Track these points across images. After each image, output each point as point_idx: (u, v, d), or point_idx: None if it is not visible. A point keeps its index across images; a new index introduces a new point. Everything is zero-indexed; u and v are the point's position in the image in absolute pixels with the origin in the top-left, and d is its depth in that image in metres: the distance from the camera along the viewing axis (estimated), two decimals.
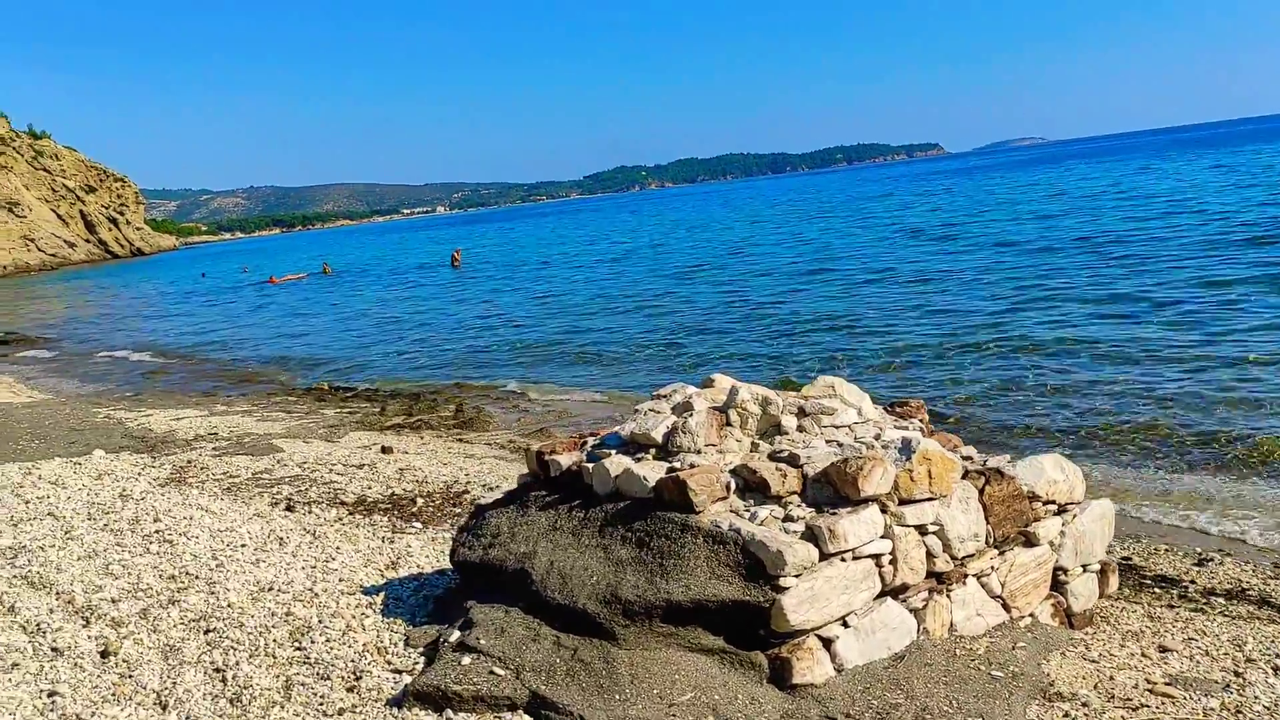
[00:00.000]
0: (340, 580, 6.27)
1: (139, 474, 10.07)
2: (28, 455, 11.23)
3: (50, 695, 4.62)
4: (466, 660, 4.59)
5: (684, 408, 5.45)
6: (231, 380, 22.17)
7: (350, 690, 4.66)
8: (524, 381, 18.00)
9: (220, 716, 4.48)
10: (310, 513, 8.48)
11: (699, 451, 5.20)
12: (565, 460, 5.62)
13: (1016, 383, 13.27)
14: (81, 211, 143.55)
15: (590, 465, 5.39)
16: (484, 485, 9.46)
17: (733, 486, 4.95)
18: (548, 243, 74.85)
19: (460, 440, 12.90)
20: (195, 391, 20.40)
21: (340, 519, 8.27)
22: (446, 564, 6.49)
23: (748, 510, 4.84)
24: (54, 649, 5.15)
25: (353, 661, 4.94)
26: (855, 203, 77.89)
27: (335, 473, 10.25)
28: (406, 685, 4.56)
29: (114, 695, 4.65)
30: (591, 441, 5.81)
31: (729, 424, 5.35)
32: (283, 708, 4.53)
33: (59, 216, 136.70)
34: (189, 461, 10.94)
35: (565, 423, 13.97)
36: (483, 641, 4.69)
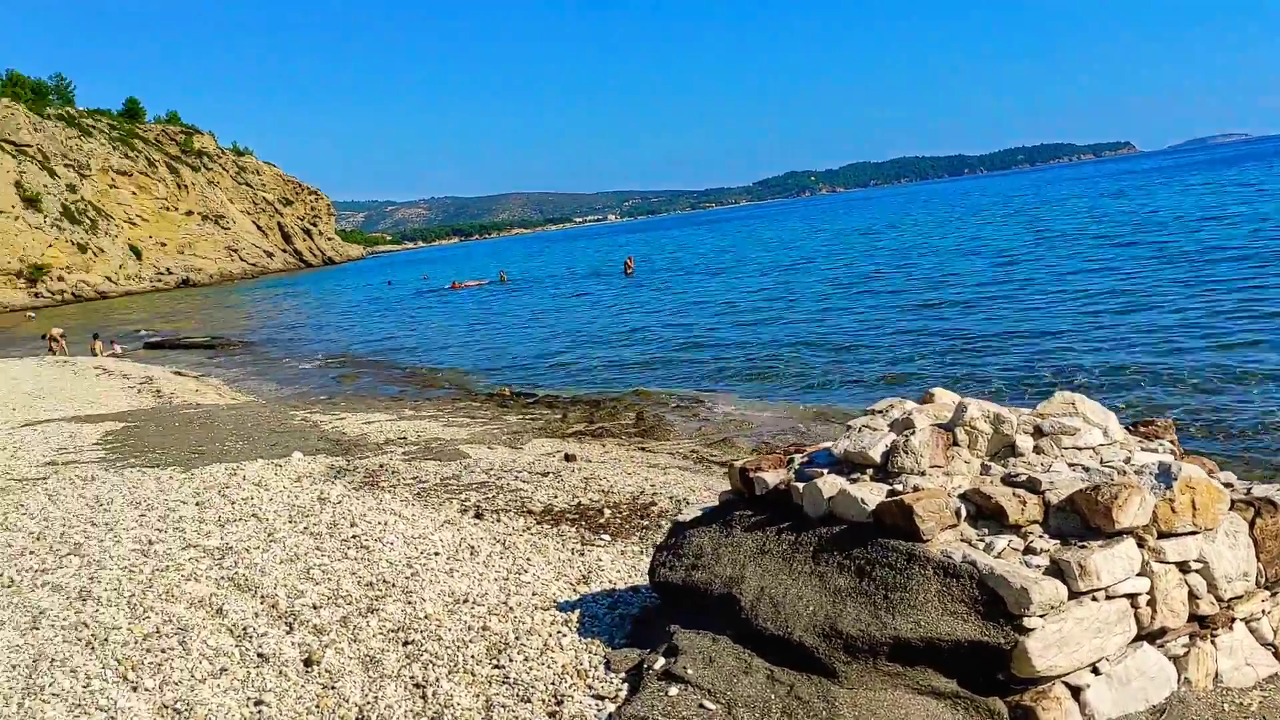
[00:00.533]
0: (533, 594, 6.10)
1: (335, 477, 10.29)
2: (232, 456, 11.69)
3: (257, 704, 4.59)
4: (674, 691, 4.31)
5: (904, 425, 5.02)
6: (417, 385, 22.82)
7: (551, 716, 4.44)
8: (702, 390, 17.75)
9: None
10: (499, 521, 8.41)
11: (923, 473, 4.76)
12: (771, 478, 5.27)
13: (1246, 407, 12.01)
14: (279, 223, 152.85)
15: (800, 485, 5.02)
16: (671, 498, 9.20)
17: (963, 513, 4.50)
18: (719, 250, 74.64)
19: (642, 449, 12.73)
20: (384, 396, 21.08)
21: (529, 528, 8.15)
22: (639, 580, 6.25)
23: (981, 540, 4.38)
24: (260, 655, 5.16)
25: (553, 684, 4.73)
26: (1042, 207, 74.29)
27: (521, 480, 10.21)
28: (611, 714, 4.32)
29: (318, 707, 4.59)
30: (799, 459, 5.45)
31: (955, 443, 4.89)
32: None
33: (259, 228, 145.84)
34: (381, 465, 11.13)
35: (747, 433, 13.63)
36: (690, 671, 4.39)
